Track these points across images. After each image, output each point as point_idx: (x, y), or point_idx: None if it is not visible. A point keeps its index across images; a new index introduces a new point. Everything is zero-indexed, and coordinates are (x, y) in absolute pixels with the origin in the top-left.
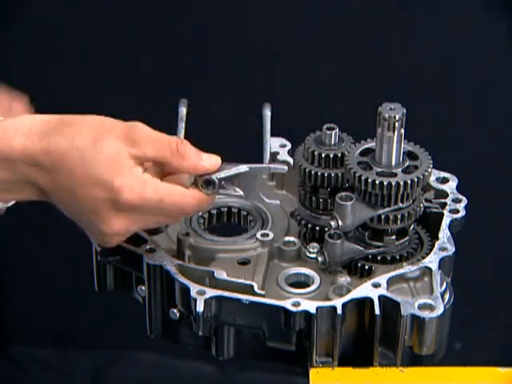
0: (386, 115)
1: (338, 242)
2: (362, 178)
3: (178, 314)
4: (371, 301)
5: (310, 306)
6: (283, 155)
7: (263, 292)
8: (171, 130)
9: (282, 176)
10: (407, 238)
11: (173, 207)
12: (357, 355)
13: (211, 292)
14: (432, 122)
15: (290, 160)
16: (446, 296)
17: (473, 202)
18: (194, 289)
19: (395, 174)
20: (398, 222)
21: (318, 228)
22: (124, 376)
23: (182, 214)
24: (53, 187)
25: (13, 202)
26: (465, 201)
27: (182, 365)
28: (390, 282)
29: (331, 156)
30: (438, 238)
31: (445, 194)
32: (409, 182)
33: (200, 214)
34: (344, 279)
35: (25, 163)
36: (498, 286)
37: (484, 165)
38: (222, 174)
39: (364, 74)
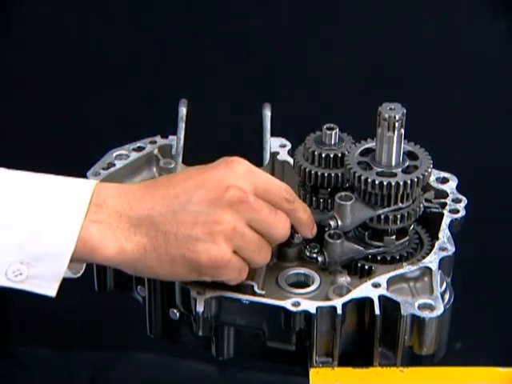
0: (386, 115)
1: (338, 241)
2: (362, 178)
3: (177, 314)
4: (371, 301)
5: (310, 305)
6: (283, 155)
7: (263, 292)
8: (171, 130)
9: (282, 176)
10: (407, 237)
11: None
12: (357, 355)
13: (211, 292)
14: (432, 122)
15: (290, 160)
16: (446, 296)
17: (473, 202)
18: (194, 289)
19: (395, 174)
20: (398, 222)
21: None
22: (124, 376)
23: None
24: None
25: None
26: (465, 201)
27: (182, 365)
28: (390, 281)
29: (331, 156)
30: (438, 238)
31: (445, 194)
32: (409, 182)
33: None
34: (344, 279)
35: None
36: (498, 286)
37: (484, 165)
38: None
39: (364, 74)
